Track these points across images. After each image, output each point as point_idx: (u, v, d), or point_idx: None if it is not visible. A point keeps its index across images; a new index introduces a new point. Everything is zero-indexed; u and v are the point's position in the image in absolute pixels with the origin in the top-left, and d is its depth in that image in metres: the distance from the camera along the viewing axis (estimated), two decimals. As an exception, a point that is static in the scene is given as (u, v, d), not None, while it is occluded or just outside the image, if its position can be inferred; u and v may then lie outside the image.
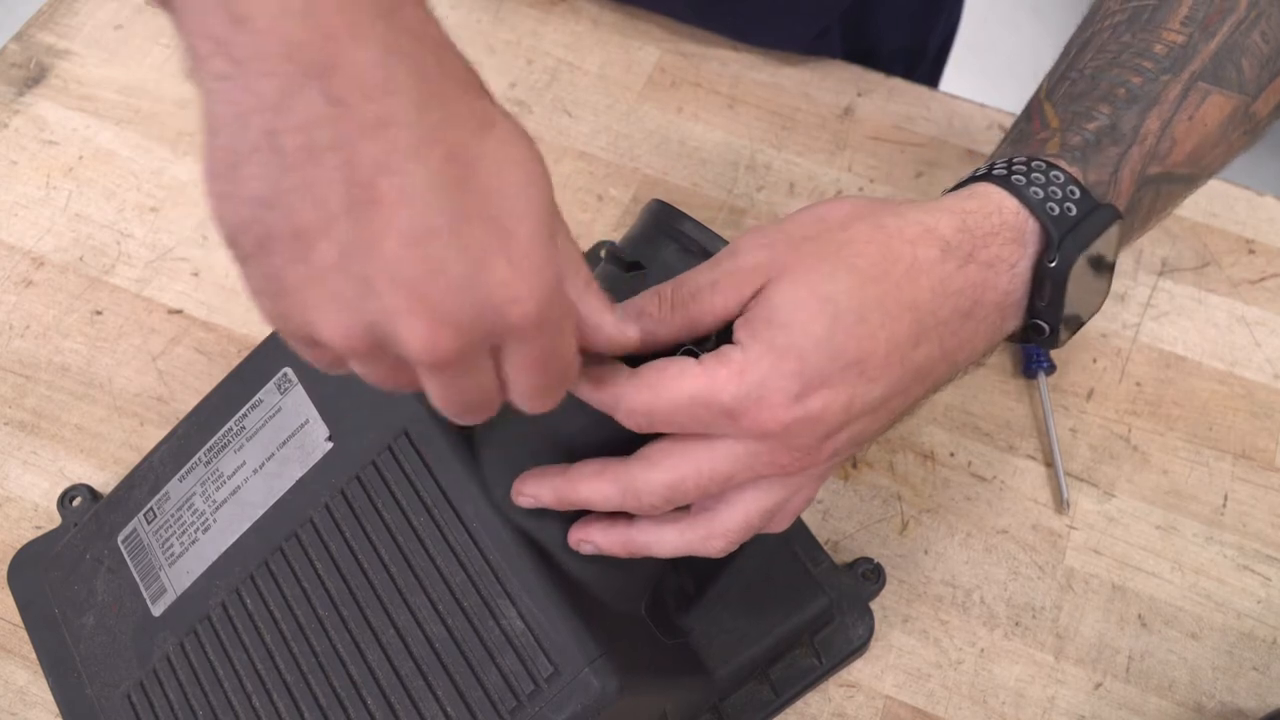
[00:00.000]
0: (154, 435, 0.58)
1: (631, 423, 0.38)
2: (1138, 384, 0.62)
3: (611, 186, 0.68)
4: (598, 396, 0.38)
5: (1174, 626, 0.55)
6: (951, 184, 0.44)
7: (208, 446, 0.48)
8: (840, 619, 0.53)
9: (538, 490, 0.41)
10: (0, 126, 0.69)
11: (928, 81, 0.79)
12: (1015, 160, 0.42)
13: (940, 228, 0.40)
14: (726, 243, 0.42)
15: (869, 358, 0.38)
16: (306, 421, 0.46)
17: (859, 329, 0.38)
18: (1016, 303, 0.42)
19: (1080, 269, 0.41)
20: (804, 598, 0.51)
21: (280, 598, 0.44)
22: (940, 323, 0.39)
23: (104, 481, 0.57)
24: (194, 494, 0.48)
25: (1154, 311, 0.64)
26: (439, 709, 0.41)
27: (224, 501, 0.47)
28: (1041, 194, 0.41)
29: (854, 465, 0.59)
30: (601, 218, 0.67)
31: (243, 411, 0.48)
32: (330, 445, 0.45)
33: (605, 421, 0.38)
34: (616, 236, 0.64)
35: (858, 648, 0.53)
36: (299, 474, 0.45)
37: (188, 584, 0.46)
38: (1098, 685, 0.53)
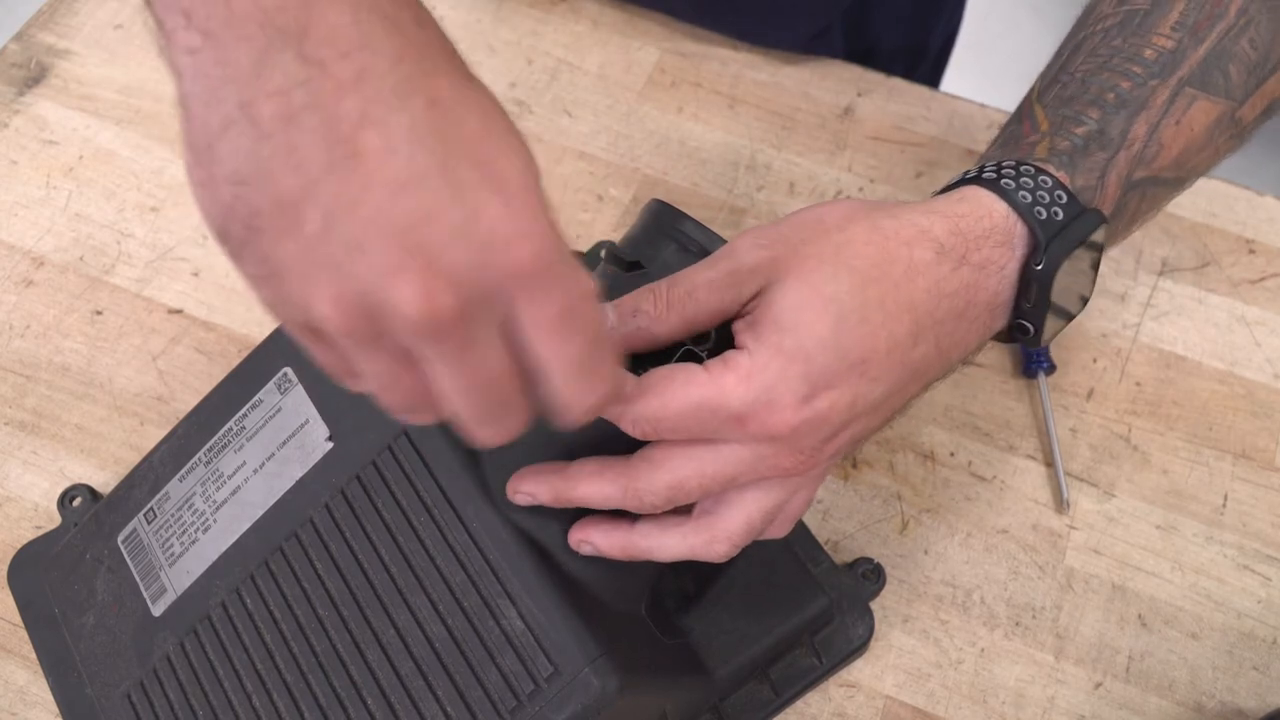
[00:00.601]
0: (154, 435, 0.58)
1: (637, 431, 0.38)
2: (1138, 384, 0.62)
3: (611, 186, 0.68)
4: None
5: (1174, 626, 0.55)
6: (958, 178, 0.45)
7: (208, 446, 0.48)
8: (840, 619, 0.53)
9: (535, 488, 0.41)
10: (0, 126, 0.69)
11: (928, 81, 0.79)
12: (1005, 164, 0.43)
13: (935, 230, 0.41)
14: (726, 243, 0.42)
15: (871, 357, 0.38)
16: (306, 421, 0.46)
17: (861, 329, 0.38)
18: (1004, 303, 0.43)
19: (1065, 271, 0.42)
20: (804, 598, 0.51)
21: (280, 598, 0.44)
22: (936, 323, 0.40)
23: (104, 481, 0.57)
24: (194, 494, 0.48)
25: (1154, 311, 0.64)
26: (439, 709, 0.41)
27: (224, 501, 0.47)
28: (1030, 198, 0.42)
29: (854, 465, 0.59)
30: (601, 218, 0.67)
31: (243, 411, 0.48)
32: (330, 445, 0.45)
33: (606, 421, 0.38)
34: (616, 236, 0.64)
35: (858, 648, 0.53)
36: (299, 474, 0.45)
37: (188, 584, 0.46)
38: (1098, 685, 0.53)
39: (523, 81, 0.72)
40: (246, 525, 0.46)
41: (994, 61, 1.41)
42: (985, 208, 0.42)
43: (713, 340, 0.40)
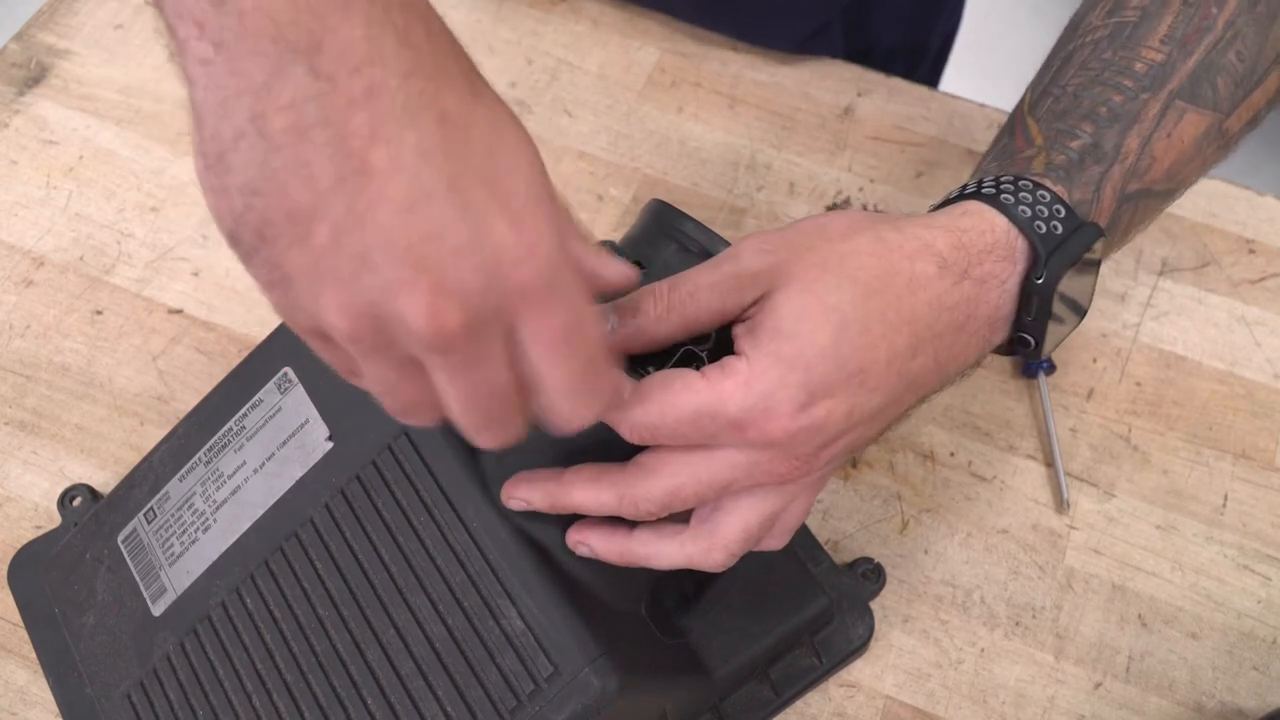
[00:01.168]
0: (154, 435, 0.58)
1: (635, 437, 0.38)
2: (1138, 384, 0.62)
3: (611, 186, 0.68)
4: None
5: (1174, 626, 0.55)
6: (952, 184, 0.45)
7: (208, 446, 0.48)
8: (840, 619, 0.53)
9: (529, 494, 0.41)
10: (0, 126, 0.69)
11: (928, 81, 0.79)
12: (1003, 179, 0.44)
13: (938, 244, 0.41)
14: (727, 243, 0.42)
15: (870, 367, 0.38)
16: (306, 421, 0.46)
17: (862, 339, 0.38)
18: (1005, 317, 0.43)
19: (1065, 285, 0.42)
20: (804, 598, 0.51)
21: (280, 597, 0.44)
22: (936, 335, 0.40)
23: (104, 481, 0.57)
24: (194, 494, 0.48)
25: (1154, 311, 0.64)
26: (439, 709, 0.41)
27: (224, 501, 0.47)
28: (1029, 213, 0.42)
29: (854, 465, 0.59)
30: (601, 218, 0.67)
31: (243, 411, 0.48)
32: (330, 445, 0.45)
33: (603, 425, 0.38)
34: (616, 236, 0.64)
35: (858, 648, 0.53)
36: (299, 474, 0.45)
37: (188, 584, 0.46)
38: (1098, 685, 0.53)
39: (523, 81, 0.72)
40: (246, 525, 0.46)
41: (994, 61, 1.41)
42: (987, 222, 0.42)
43: (713, 341, 0.40)
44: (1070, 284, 0.43)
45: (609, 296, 0.39)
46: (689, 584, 0.50)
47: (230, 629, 0.45)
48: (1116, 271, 0.65)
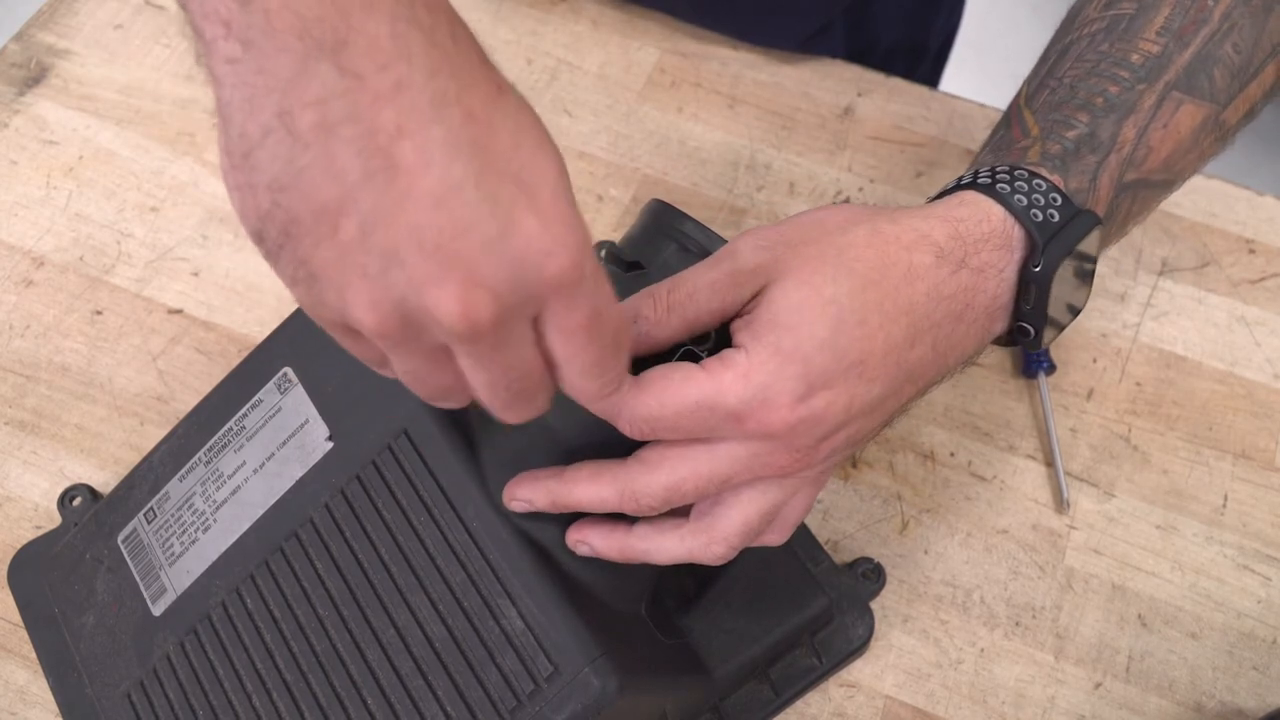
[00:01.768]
0: (154, 435, 0.58)
1: (634, 431, 0.38)
2: (1138, 384, 0.62)
3: (611, 186, 0.68)
4: (599, 405, 0.38)
5: (1174, 626, 0.55)
6: (952, 184, 0.45)
7: (208, 446, 0.48)
8: (840, 619, 0.53)
9: (532, 494, 0.41)
10: (0, 126, 0.69)
11: (928, 81, 0.79)
12: (999, 169, 0.44)
13: (934, 234, 0.41)
14: (726, 243, 0.42)
15: (868, 359, 0.39)
16: (306, 421, 0.46)
17: (859, 331, 0.38)
18: (1004, 306, 0.43)
19: (1064, 272, 0.42)
20: (804, 598, 0.51)
21: (280, 597, 0.44)
22: (934, 325, 0.40)
23: (104, 481, 0.57)
24: (194, 494, 0.48)
25: (1154, 311, 0.64)
26: (439, 709, 0.41)
27: (224, 501, 0.47)
28: (1025, 201, 0.42)
29: (854, 465, 0.59)
30: (601, 218, 0.67)
31: (243, 411, 0.48)
32: (330, 445, 0.45)
33: (604, 421, 0.38)
34: (616, 236, 0.64)
35: (858, 648, 0.53)
36: (299, 474, 0.45)
37: (188, 584, 0.46)
38: (1098, 685, 0.53)
39: (523, 81, 0.72)
40: (246, 525, 0.46)
41: (993, 60, 1.41)
42: (984, 211, 0.42)
43: (712, 340, 0.40)
44: (1068, 274, 0.43)
45: None
46: (689, 584, 0.50)
47: (230, 629, 0.45)
48: (1116, 271, 0.65)
